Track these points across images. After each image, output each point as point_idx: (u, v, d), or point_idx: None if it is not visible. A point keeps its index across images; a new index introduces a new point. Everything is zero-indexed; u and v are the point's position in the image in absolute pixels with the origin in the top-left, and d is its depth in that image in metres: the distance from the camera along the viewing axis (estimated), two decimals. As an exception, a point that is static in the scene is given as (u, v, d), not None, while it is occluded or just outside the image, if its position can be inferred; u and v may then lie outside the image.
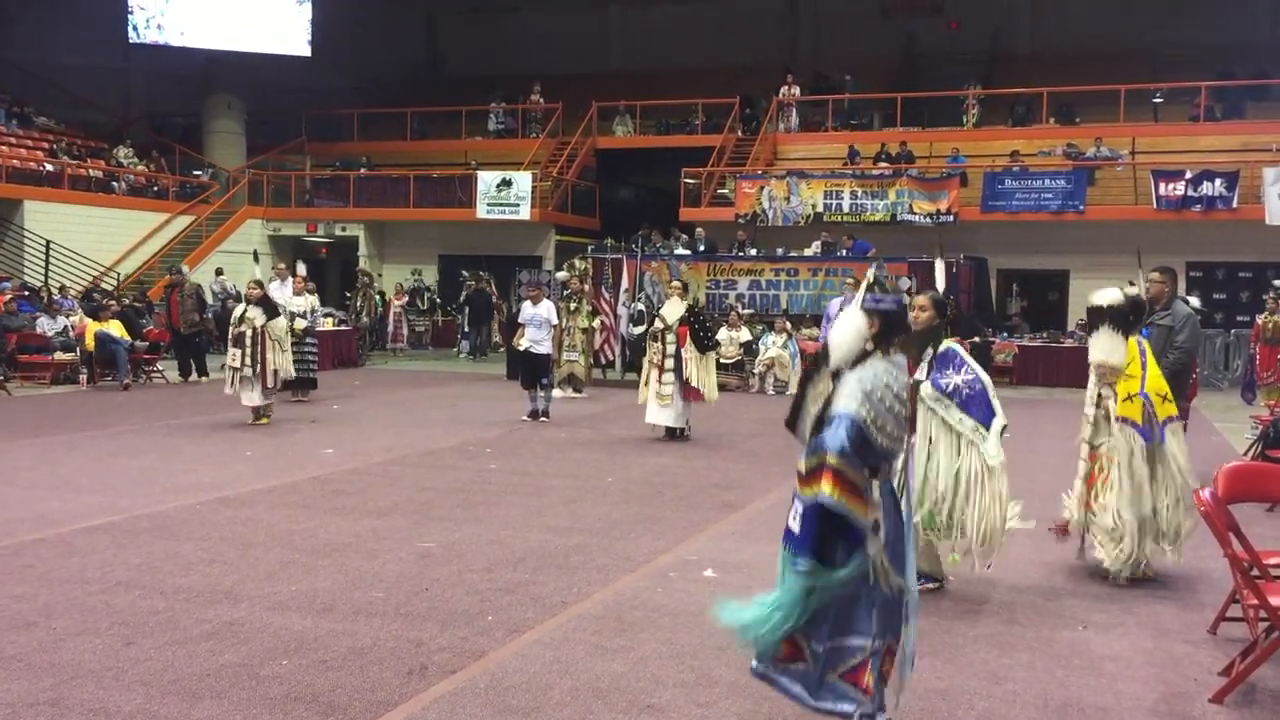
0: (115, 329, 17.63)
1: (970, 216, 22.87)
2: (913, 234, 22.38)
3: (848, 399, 3.79)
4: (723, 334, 17.76)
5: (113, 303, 19.37)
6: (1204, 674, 5.09)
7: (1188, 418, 8.74)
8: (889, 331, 3.98)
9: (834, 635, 3.78)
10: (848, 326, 3.91)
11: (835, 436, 3.72)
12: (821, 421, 3.86)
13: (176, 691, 4.65)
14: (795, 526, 3.79)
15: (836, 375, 3.93)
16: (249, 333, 12.64)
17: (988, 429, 5.94)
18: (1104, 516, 6.50)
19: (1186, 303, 8.77)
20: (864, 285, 4.08)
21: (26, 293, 20.43)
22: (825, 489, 3.65)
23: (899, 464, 4.08)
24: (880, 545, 3.85)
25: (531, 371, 13.80)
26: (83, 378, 17.50)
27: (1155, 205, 21.77)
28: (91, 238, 24.39)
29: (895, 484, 4.08)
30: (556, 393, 15.95)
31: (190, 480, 9.39)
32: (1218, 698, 4.76)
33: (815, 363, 4.06)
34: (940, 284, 6.96)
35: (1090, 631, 5.71)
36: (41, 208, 23.91)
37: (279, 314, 13.07)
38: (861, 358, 3.89)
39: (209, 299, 21.37)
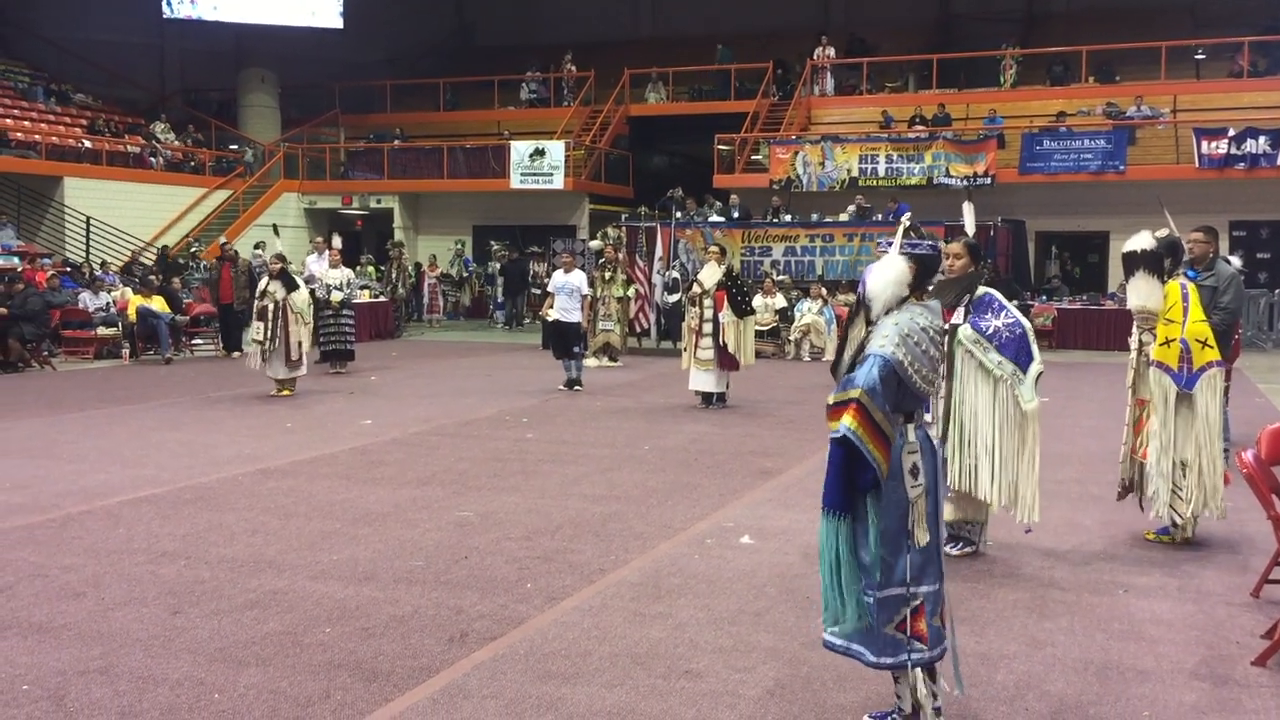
0: (156, 304, 17.84)
1: (1008, 178, 22.60)
2: (949, 197, 22.10)
3: (882, 340, 3.81)
4: (758, 301, 17.69)
5: (154, 278, 19.58)
6: (1246, 637, 5.05)
7: (1230, 380, 8.63)
8: (925, 276, 3.99)
9: (882, 585, 3.79)
10: (888, 272, 3.89)
11: (867, 374, 3.75)
12: (854, 364, 3.88)
13: (222, 659, 4.73)
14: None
15: (870, 321, 3.92)
16: (271, 306, 12.76)
17: (1025, 373, 5.88)
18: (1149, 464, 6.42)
19: (1229, 263, 8.63)
20: (900, 230, 4.04)
21: (68, 269, 20.70)
22: (847, 420, 3.68)
23: (938, 412, 4.05)
24: (921, 490, 3.84)
25: (563, 341, 13.82)
26: (125, 352, 17.75)
27: (1197, 164, 21.41)
28: (130, 213, 24.62)
29: (931, 433, 4.07)
30: (592, 362, 15.99)
31: (232, 452, 9.51)
32: (1260, 660, 4.73)
33: (854, 309, 4.05)
34: (970, 229, 6.88)
35: (1130, 595, 5.68)
36: (81, 184, 24.15)
37: (299, 287, 13.14)
38: (898, 303, 3.89)
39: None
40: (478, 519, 7.17)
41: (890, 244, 4.01)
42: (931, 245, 4.06)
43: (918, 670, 3.88)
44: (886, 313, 3.88)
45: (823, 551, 3.80)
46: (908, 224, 4.08)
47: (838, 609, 3.78)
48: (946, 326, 5.85)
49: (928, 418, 4.23)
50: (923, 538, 3.84)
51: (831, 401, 3.80)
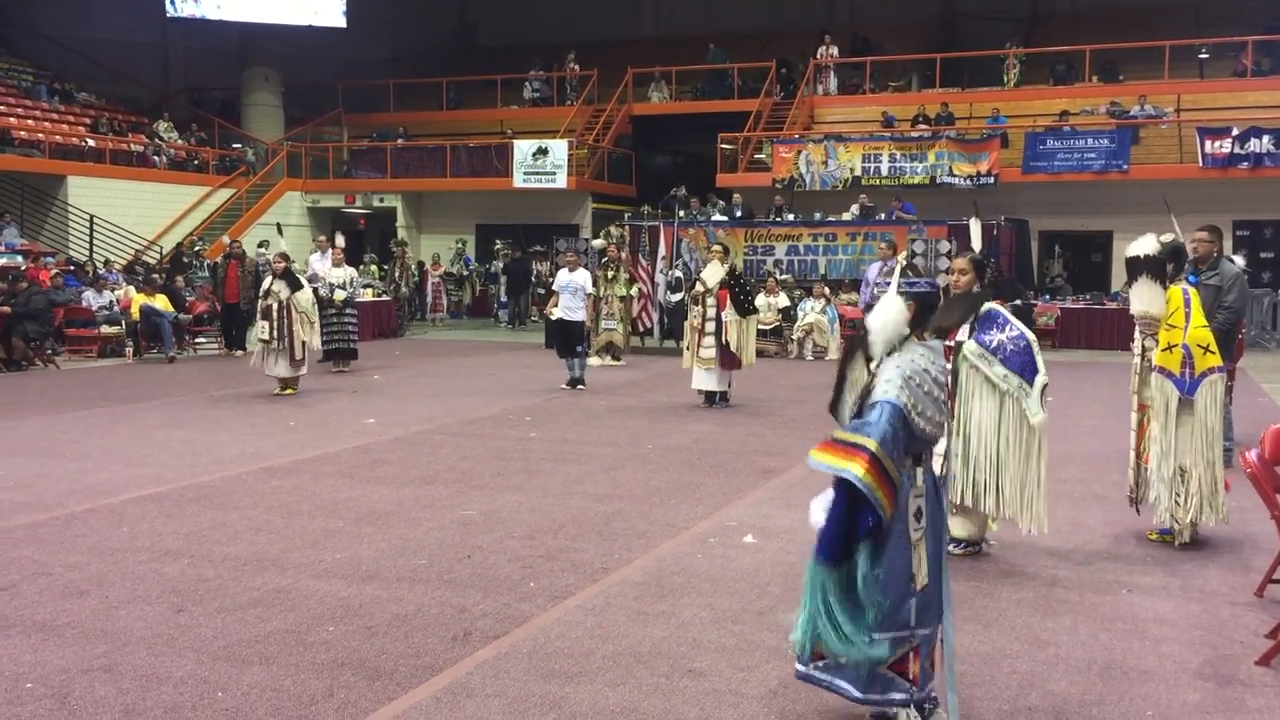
0: (160, 302, 17.86)
1: (1011, 178, 22.59)
2: (952, 196, 22.13)
3: (887, 385, 3.78)
4: (761, 300, 17.67)
5: (157, 276, 19.59)
6: (1250, 637, 5.05)
7: (1234, 379, 8.63)
8: (925, 314, 3.97)
9: (882, 628, 3.77)
10: (887, 313, 3.90)
11: (878, 424, 3.70)
12: (861, 409, 3.86)
13: (226, 657, 4.74)
14: (820, 513, 3.78)
15: (870, 360, 3.92)
16: (275, 306, 12.77)
17: (1031, 386, 5.87)
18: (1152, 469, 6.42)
19: (1233, 262, 8.63)
20: (898, 270, 4.06)
21: (72, 267, 20.72)
22: (859, 471, 3.62)
23: (940, 451, 4.01)
24: (923, 531, 3.84)
25: (566, 339, 13.82)
26: (128, 351, 17.76)
27: (1201, 163, 21.39)
28: (134, 212, 24.64)
29: (936, 471, 4.06)
30: (595, 361, 16.00)
31: (235, 451, 9.52)
32: (1264, 660, 4.73)
33: (851, 348, 4.04)
34: (976, 244, 6.86)
35: (1134, 595, 5.68)
36: (84, 183, 24.17)
37: (302, 286, 13.14)
38: (899, 343, 3.88)
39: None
40: (481, 518, 7.18)
41: (889, 239, 4.01)
42: (929, 283, 4.11)
43: (908, 710, 3.87)
44: (889, 354, 3.88)
45: (812, 594, 3.74)
46: (905, 263, 4.09)
47: (838, 646, 3.70)
48: (951, 344, 5.85)
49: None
50: (921, 580, 3.83)
51: (839, 438, 3.77)
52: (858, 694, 3.82)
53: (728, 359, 11.86)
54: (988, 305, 6.04)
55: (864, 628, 3.71)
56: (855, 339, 4.05)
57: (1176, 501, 6.34)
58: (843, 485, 3.67)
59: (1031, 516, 5.95)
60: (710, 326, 11.86)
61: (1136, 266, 6.48)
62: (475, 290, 27.45)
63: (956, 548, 6.22)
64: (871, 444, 3.66)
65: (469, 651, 4.83)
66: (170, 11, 29.30)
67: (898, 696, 3.82)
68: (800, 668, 3.93)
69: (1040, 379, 5.89)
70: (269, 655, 4.77)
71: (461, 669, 4.64)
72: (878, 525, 3.68)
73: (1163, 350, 6.38)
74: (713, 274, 12.01)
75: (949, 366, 5.85)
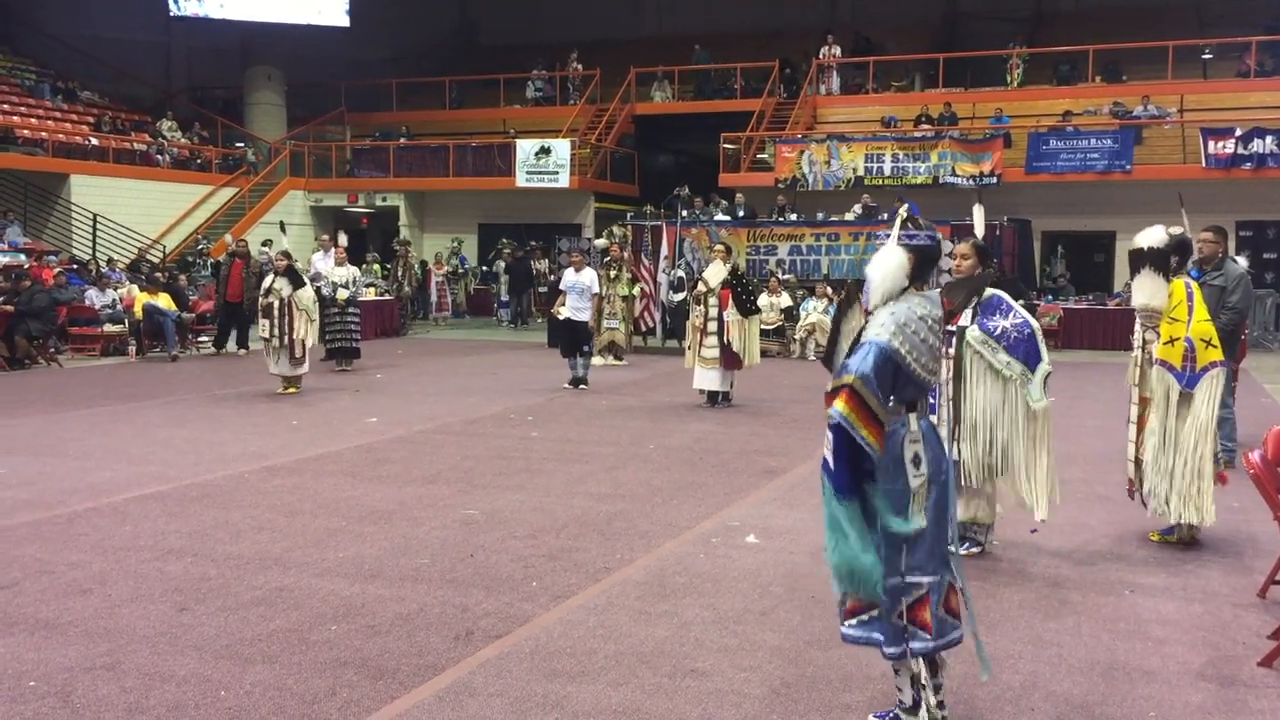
0: (163, 301, 17.87)
1: (1014, 178, 22.57)
2: (955, 196, 22.11)
3: (879, 328, 3.78)
4: (763, 300, 17.67)
5: (160, 275, 19.60)
6: (1252, 638, 5.04)
7: (1237, 380, 8.62)
8: (924, 265, 3.95)
9: (889, 573, 3.77)
10: (887, 262, 3.88)
11: (861, 360, 3.71)
12: (852, 353, 3.86)
13: (229, 656, 4.74)
14: (828, 453, 3.75)
15: (868, 312, 3.91)
16: (276, 303, 12.77)
17: (1034, 373, 5.87)
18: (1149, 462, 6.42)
19: (1236, 262, 8.62)
20: (898, 221, 4.02)
21: (75, 266, 20.73)
22: (838, 405, 3.64)
23: (942, 408, 3.99)
24: (924, 479, 3.83)
25: (571, 339, 13.83)
26: (131, 349, 17.77)
27: (1204, 164, 21.36)
28: (137, 211, 24.66)
29: (936, 423, 4.04)
30: (598, 360, 16.00)
31: (238, 449, 9.52)
32: (1266, 661, 4.72)
33: (848, 299, 4.04)
34: (979, 230, 6.84)
35: (1137, 596, 5.68)
36: (87, 181, 24.19)
37: (304, 284, 13.15)
38: (898, 293, 3.88)
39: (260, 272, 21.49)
40: (483, 517, 7.18)
41: (888, 235, 3.99)
42: (929, 235, 4.05)
43: (919, 661, 3.86)
44: (885, 303, 3.87)
45: (841, 530, 3.65)
46: (905, 215, 4.05)
47: (865, 576, 3.64)
48: (954, 329, 5.86)
49: (933, 418, 4.20)
50: (919, 522, 3.79)
51: (829, 389, 3.79)
52: (890, 648, 3.82)
53: (730, 359, 11.87)
54: (991, 291, 6.03)
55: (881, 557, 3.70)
56: (851, 290, 4.04)
57: (1170, 493, 6.33)
58: (833, 428, 3.67)
59: (1044, 501, 5.94)
60: (713, 327, 11.86)
61: (1139, 259, 6.46)
62: (470, 289, 27.45)
63: (961, 548, 6.20)
64: (848, 378, 3.67)
65: (471, 651, 4.83)
66: (173, 10, 29.30)
67: (914, 645, 3.82)
68: (843, 629, 3.90)
69: (1043, 366, 5.89)
70: (272, 654, 4.77)
71: (464, 668, 4.64)
72: (869, 465, 3.66)
73: (1164, 343, 6.36)
74: (715, 274, 12.01)
75: (953, 352, 5.87)
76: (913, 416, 3.86)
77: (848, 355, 3.89)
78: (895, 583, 3.80)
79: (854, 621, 3.85)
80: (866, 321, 3.90)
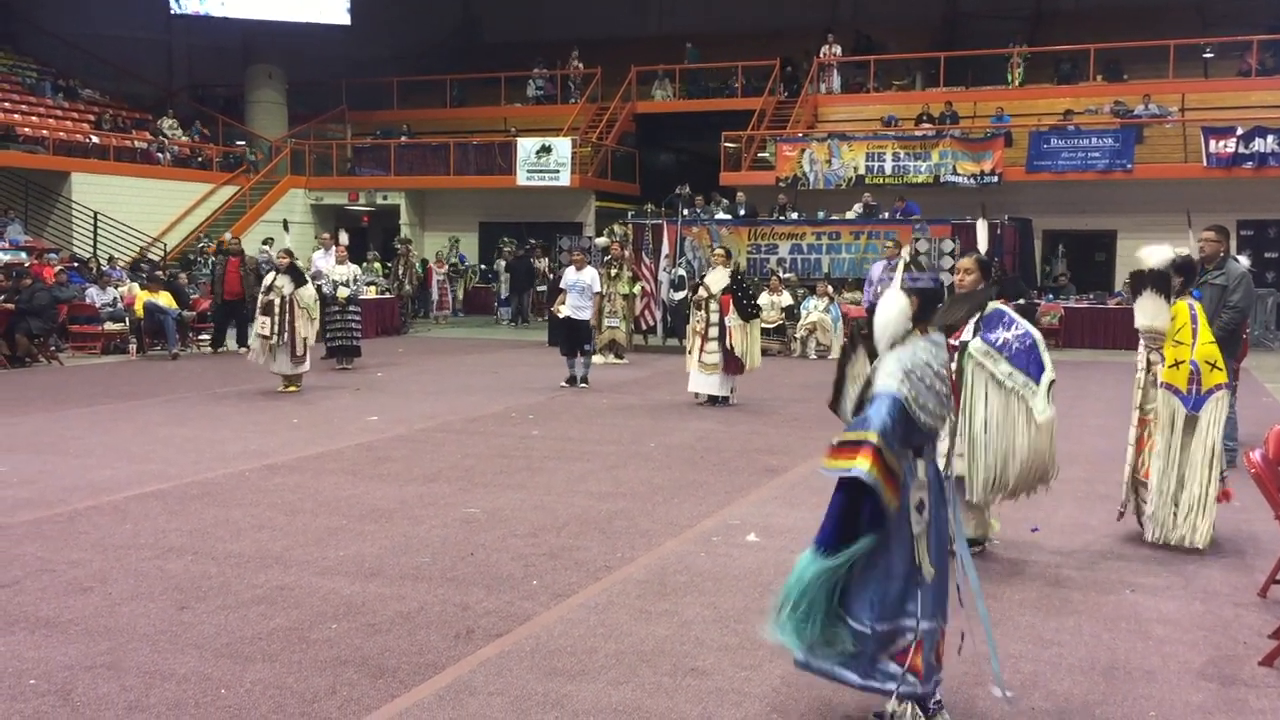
0: (164, 299, 17.86)
1: (1015, 177, 22.57)
2: (956, 195, 22.12)
3: (888, 378, 3.79)
4: (764, 299, 17.68)
5: (161, 273, 19.59)
6: (1253, 637, 5.04)
7: (1238, 379, 8.61)
8: (927, 309, 3.98)
9: (885, 618, 3.77)
10: (891, 308, 3.92)
11: (878, 415, 3.72)
12: (863, 402, 3.88)
13: (229, 655, 4.74)
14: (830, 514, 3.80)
15: (873, 356, 3.94)
16: (277, 301, 12.77)
17: (1037, 384, 5.86)
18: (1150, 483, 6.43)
19: (1238, 261, 8.61)
20: (901, 265, 4.06)
21: (76, 264, 20.73)
22: (863, 464, 3.65)
23: (943, 446, 4.03)
24: (925, 525, 3.84)
25: (572, 338, 13.82)
26: (132, 347, 17.77)
27: (1205, 163, 21.37)
28: (137, 209, 24.66)
29: (940, 466, 4.07)
30: (598, 359, 16.00)
31: (238, 448, 9.52)
32: (1267, 661, 4.72)
33: (851, 343, 4.06)
34: (983, 245, 6.85)
35: (1138, 595, 5.67)
36: (88, 179, 24.19)
37: (306, 282, 13.14)
38: (901, 338, 3.89)
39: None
40: (484, 515, 7.18)
41: (894, 238, 4.02)
42: (933, 279, 4.10)
43: (911, 705, 3.88)
44: (891, 348, 3.89)
45: (806, 581, 3.73)
46: (908, 259, 4.09)
47: (808, 634, 3.74)
48: (955, 343, 5.84)
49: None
50: (929, 572, 3.84)
51: (841, 440, 3.78)
52: (859, 681, 3.83)
53: (732, 363, 11.86)
54: (993, 305, 6.03)
55: (858, 616, 3.74)
56: (855, 334, 4.06)
57: (1175, 517, 6.35)
58: (849, 482, 3.69)
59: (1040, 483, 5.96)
60: (714, 332, 11.85)
61: (1141, 281, 6.46)
62: (467, 287, 27.45)
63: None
64: (872, 436, 3.69)
65: (471, 649, 4.83)
66: (174, 8, 29.31)
67: (903, 689, 3.82)
68: (798, 656, 3.92)
69: (1047, 376, 5.87)
70: (272, 652, 4.77)
71: (464, 667, 4.64)
72: (877, 516, 3.70)
73: (1170, 367, 6.36)
74: (717, 280, 11.99)
75: (955, 365, 5.85)
76: (920, 463, 3.88)
77: (860, 405, 3.90)
78: (905, 625, 3.81)
79: (819, 653, 3.84)
80: (874, 367, 3.93)
